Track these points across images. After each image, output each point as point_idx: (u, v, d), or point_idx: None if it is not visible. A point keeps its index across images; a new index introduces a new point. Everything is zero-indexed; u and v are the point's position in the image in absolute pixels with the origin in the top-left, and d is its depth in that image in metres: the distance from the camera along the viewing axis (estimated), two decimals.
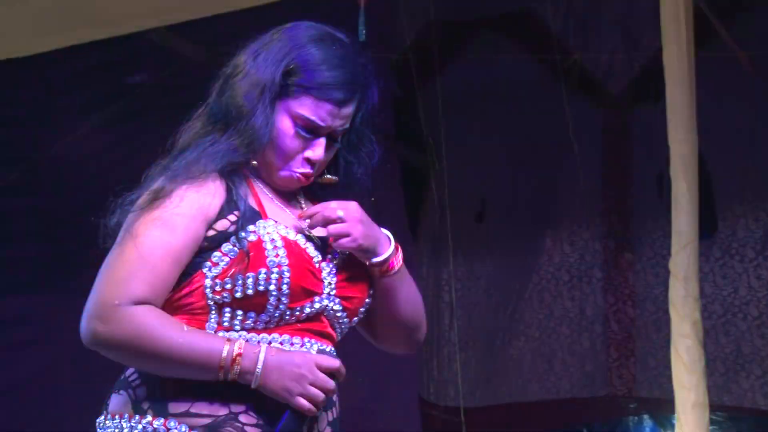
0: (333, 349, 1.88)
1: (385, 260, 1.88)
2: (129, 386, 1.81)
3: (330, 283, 1.86)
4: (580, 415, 5.14)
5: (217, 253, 1.79)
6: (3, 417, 4.33)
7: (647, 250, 5.04)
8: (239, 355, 1.75)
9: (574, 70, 4.87)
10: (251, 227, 1.80)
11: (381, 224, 1.93)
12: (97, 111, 4.19)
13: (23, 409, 4.36)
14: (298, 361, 1.77)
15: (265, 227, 1.81)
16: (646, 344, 5.02)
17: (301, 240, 1.84)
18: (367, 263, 1.88)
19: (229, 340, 1.77)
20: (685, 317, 2.91)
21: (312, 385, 1.76)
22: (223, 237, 1.80)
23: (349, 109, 1.88)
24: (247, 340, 1.78)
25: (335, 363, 1.78)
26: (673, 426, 3.15)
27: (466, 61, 4.99)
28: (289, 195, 1.92)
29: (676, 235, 2.95)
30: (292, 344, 1.81)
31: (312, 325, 1.84)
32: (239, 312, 1.79)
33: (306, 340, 1.83)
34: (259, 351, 1.76)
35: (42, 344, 4.28)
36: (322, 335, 1.86)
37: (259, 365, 1.75)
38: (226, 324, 1.80)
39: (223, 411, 1.77)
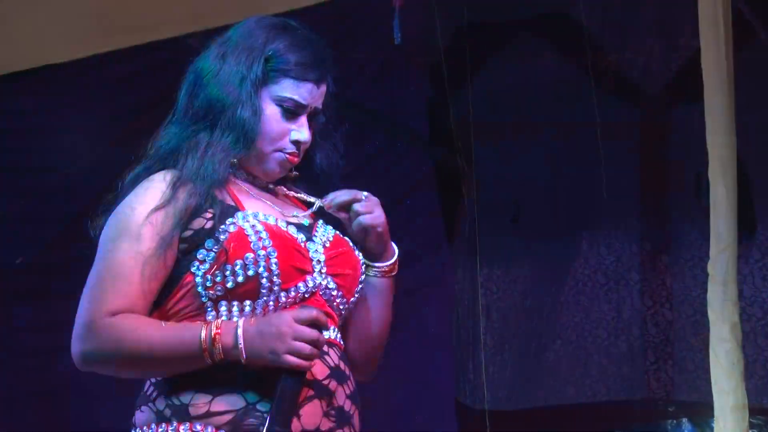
0: (334, 328, 1.89)
1: (395, 261, 1.93)
2: (149, 399, 1.85)
3: (319, 261, 1.87)
4: (617, 419, 5.11)
5: (202, 251, 1.82)
6: (31, 422, 4.38)
7: (685, 253, 5.01)
8: (218, 333, 1.76)
9: (610, 71, 4.84)
10: (230, 219, 1.83)
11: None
12: (134, 117, 4.22)
13: (51, 414, 4.40)
14: (274, 321, 1.77)
15: (244, 217, 1.84)
16: (684, 347, 4.98)
17: (282, 224, 1.85)
18: (375, 263, 1.91)
19: (207, 323, 1.78)
20: (724, 320, 2.89)
21: (296, 339, 1.75)
22: (203, 234, 1.82)
23: (323, 88, 1.94)
24: (225, 319, 1.79)
25: (312, 312, 1.77)
26: (712, 429, 3.13)
27: (500, 64, 4.98)
28: (265, 187, 1.95)
29: (715, 238, 2.93)
30: None
31: (310, 304, 1.85)
32: (235, 303, 1.81)
33: None
34: (236, 325, 1.77)
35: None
36: (324, 315, 1.85)
37: (240, 338, 1.75)
38: (225, 319, 1.81)
39: (240, 404, 1.78)
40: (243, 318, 1.78)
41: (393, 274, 1.95)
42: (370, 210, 1.89)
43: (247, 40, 1.92)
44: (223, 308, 1.80)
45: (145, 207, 1.84)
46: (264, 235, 1.81)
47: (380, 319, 1.97)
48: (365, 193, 1.91)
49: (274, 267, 1.79)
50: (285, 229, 1.85)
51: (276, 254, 1.80)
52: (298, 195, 1.98)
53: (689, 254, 4.99)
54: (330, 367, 1.85)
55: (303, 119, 1.91)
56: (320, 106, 1.93)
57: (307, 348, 1.75)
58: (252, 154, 1.90)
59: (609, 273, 5.12)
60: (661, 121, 5.06)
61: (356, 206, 1.89)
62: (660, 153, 5.08)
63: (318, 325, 1.77)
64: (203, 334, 1.75)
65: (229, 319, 1.80)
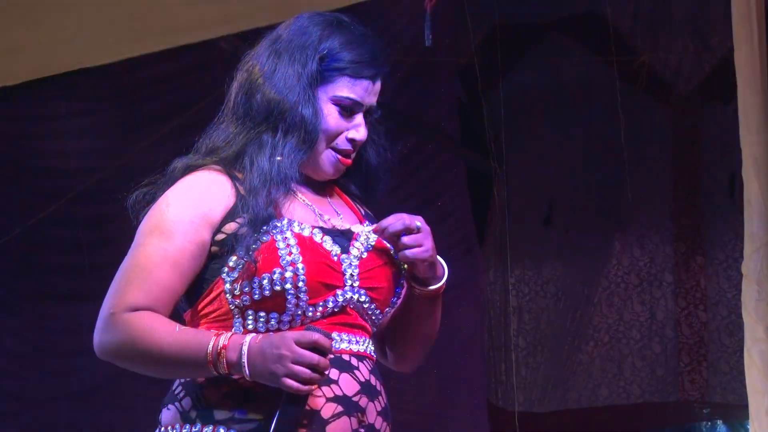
0: (367, 339, 1.86)
1: (443, 283, 1.88)
2: (176, 399, 1.83)
3: (352, 275, 1.83)
4: (651, 421, 5.08)
5: (233, 258, 1.80)
6: (67, 423, 4.41)
7: (719, 253, 4.97)
8: (224, 347, 1.74)
9: (642, 71, 4.82)
10: (264, 228, 1.80)
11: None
12: (167, 119, 4.24)
13: (86, 416, 4.43)
14: (276, 342, 1.73)
15: (278, 226, 1.80)
16: (718, 349, 4.95)
17: (317, 235, 1.82)
18: (423, 288, 1.87)
19: (218, 334, 1.76)
20: (759, 321, 2.86)
21: (295, 363, 1.71)
22: (235, 240, 1.80)
23: (379, 85, 1.90)
24: (235, 333, 1.77)
25: (313, 336, 1.73)
26: (747, 431, 3.10)
27: (531, 64, 4.97)
28: (318, 188, 1.92)
29: (749, 238, 2.90)
30: (332, 339, 1.78)
31: (340, 318, 1.83)
32: (261, 314, 1.79)
33: (335, 334, 1.80)
34: (243, 341, 1.74)
35: None
36: (354, 327, 1.84)
37: (243, 356, 1.73)
38: (250, 327, 1.80)
39: (264, 412, 1.76)
40: (251, 335, 1.75)
41: (440, 292, 1.89)
42: (418, 243, 1.83)
43: (300, 37, 1.89)
44: (249, 318, 1.79)
45: (181, 204, 1.82)
46: (295, 249, 1.78)
47: (427, 324, 1.93)
48: (418, 223, 1.83)
49: (301, 284, 1.77)
50: (319, 241, 1.82)
51: (305, 270, 1.78)
52: (354, 202, 1.96)
53: (723, 255, 4.96)
54: (360, 383, 1.82)
55: (359, 117, 1.88)
56: (375, 103, 1.90)
57: (306, 372, 1.71)
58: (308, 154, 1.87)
59: (642, 274, 5.10)
60: (694, 121, 5.03)
61: (404, 239, 1.82)
62: (693, 153, 5.05)
63: (320, 350, 1.73)
64: (210, 347, 1.74)
65: (255, 328, 1.79)
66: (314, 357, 1.72)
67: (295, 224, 1.82)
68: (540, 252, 5.14)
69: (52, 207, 4.40)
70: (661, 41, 4.88)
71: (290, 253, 1.79)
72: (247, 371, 1.73)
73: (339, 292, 1.82)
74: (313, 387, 1.73)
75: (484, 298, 5.01)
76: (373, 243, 1.87)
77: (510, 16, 4.70)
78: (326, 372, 1.74)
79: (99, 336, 1.82)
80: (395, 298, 1.90)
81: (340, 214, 1.92)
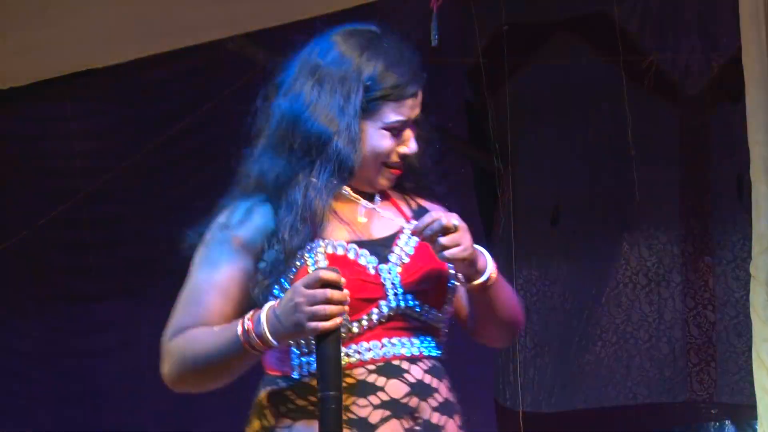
0: (424, 339, 1.88)
1: (489, 277, 1.89)
2: (248, 423, 1.92)
3: (393, 284, 1.86)
4: (659, 421, 5.07)
5: (276, 287, 1.85)
6: (86, 421, 4.41)
7: (727, 254, 4.96)
8: (249, 326, 1.79)
9: (650, 71, 4.81)
10: (299, 253, 1.85)
11: None
12: (175, 120, 4.25)
13: (106, 414, 4.44)
14: (288, 295, 1.78)
15: (310, 249, 1.85)
16: (727, 349, 4.94)
17: (352, 251, 1.86)
18: (468, 283, 1.89)
19: (242, 318, 1.81)
20: (767, 321, 2.85)
21: (311, 304, 1.75)
22: (276, 269, 1.86)
23: (420, 96, 1.94)
24: (258, 309, 1.81)
25: (317, 273, 1.76)
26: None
27: (538, 65, 4.96)
28: (367, 194, 1.95)
29: (757, 238, 2.90)
30: (383, 346, 1.84)
31: (391, 324, 1.86)
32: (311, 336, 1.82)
33: (396, 339, 1.85)
34: (261, 311, 1.80)
35: (123, 350, 4.35)
36: (407, 330, 1.87)
37: (263, 323, 1.78)
38: (305, 350, 1.85)
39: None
40: (270, 302, 1.80)
41: (493, 281, 1.90)
42: (456, 243, 1.83)
43: (339, 67, 1.90)
44: (302, 341, 1.84)
45: (226, 234, 1.88)
46: None
47: (498, 308, 1.94)
48: (455, 221, 1.85)
49: None
50: (353, 258, 1.85)
51: None
52: (405, 198, 2.00)
53: (731, 255, 4.95)
54: (411, 384, 1.84)
55: (408, 132, 1.93)
56: (418, 117, 1.95)
57: (325, 309, 1.74)
58: (359, 173, 1.91)
59: (650, 274, 5.09)
60: (702, 121, 5.02)
61: (442, 240, 1.83)
62: (701, 153, 5.03)
63: (329, 283, 1.75)
64: (239, 330, 1.79)
65: (309, 349, 1.84)
66: (326, 292, 1.75)
67: (329, 244, 1.86)
68: (547, 252, 5.14)
69: (61, 208, 4.41)
70: (669, 41, 4.87)
71: None
72: (271, 337, 1.77)
73: (382, 303, 1.85)
74: (339, 321, 1.76)
75: None
76: (414, 244, 1.89)
77: (517, 16, 4.69)
78: (346, 301, 1.77)
79: (161, 369, 1.88)
80: (450, 294, 1.92)
81: (383, 218, 1.94)
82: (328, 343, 1.76)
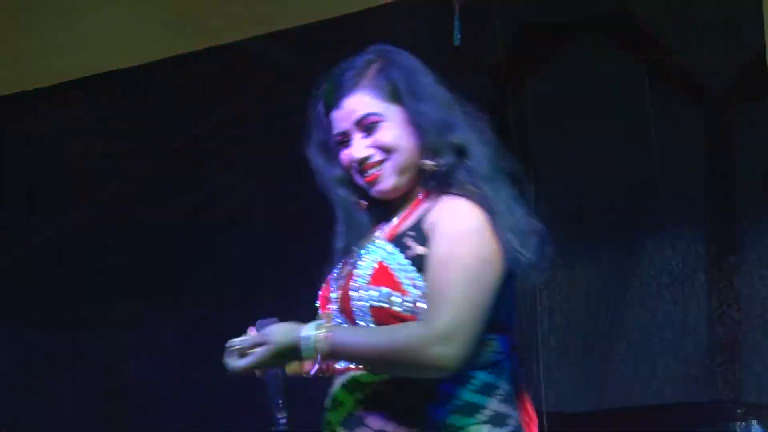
0: None
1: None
2: None
3: (336, 298, 2.05)
4: (684, 421, 5.05)
5: None
6: (110, 421, 4.43)
7: (752, 253, 4.94)
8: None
9: (673, 70, 4.79)
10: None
11: None
12: (199, 120, 4.26)
13: (129, 413, 4.45)
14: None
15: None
16: (753, 348, 4.91)
17: (333, 291, 2.05)
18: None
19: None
20: None
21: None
22: None
23: (345, 105, 2.04)
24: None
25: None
26: None
27: (560, 64, 4.95)
28: (389, 210, 2.10)
29: None
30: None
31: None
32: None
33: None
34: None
35: (148, 350, 4.36)
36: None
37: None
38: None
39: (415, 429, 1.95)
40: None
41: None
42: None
43: (312, 113, 2.11)
44: None
45: None
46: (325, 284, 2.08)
47: (367, 364, 2.02)
48: (254, 341, 2.01)
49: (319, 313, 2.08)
50: (340, 267, 2.06)
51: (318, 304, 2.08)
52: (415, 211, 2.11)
53: (757, 254, 4.92)
54: (331, 398, 2.02)
55: (352, 141, 2.06)
56: (360, 119, 2.04)
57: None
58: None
59: (675, 274, 5.07)
60: (727, 120, 4.99)
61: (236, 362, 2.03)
62: (726, 152, 5.01)
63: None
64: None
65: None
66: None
67: (326, 282, 2.08)
68: (571, 252, 5.12)
69: (86, 208, 4.44)
70: (693, 40, 4.85)
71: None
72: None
73: (332, 314, 2.01)
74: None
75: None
76: (367, 253, 2.00)
77: (539, 15, 4.68)
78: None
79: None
80: (356, 310, 1.97)
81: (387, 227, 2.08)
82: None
